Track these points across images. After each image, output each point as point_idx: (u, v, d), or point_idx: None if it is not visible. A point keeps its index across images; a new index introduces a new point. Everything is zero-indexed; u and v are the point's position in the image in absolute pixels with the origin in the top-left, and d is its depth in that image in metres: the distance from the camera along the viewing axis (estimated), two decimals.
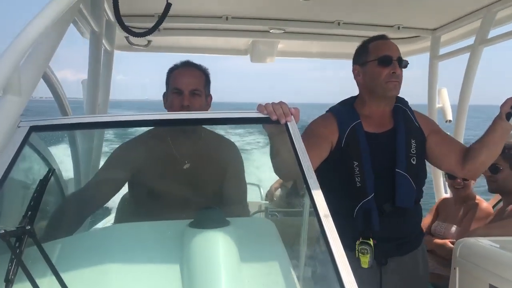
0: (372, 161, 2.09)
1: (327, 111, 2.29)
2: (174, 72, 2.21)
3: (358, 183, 2.07)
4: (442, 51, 3.83)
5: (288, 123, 1.55)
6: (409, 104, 2.30)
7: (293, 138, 1.48)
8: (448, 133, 3.39)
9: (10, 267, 1.09)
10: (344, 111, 2.23)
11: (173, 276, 1.24)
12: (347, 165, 2.09)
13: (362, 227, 2.07)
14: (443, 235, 3.24)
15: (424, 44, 3.97)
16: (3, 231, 1.07)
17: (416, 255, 2.22)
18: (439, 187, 4.02)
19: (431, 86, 3.92)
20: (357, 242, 2.04)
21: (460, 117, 3.58)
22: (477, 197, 3.32)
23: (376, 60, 2.13)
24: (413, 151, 2.13)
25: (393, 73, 2.10)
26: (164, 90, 2.24)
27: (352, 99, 2.29)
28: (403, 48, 4.21)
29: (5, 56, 1.31)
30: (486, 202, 3.28)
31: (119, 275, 1.24)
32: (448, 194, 3.84)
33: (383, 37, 2.22)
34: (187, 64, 2.24)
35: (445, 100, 3.92)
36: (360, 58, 2.22)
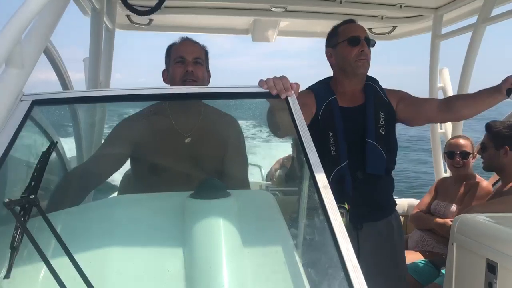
0: (345, 133, 2.28)
1: (306, 89, 2.44)
2: (174, 46, 2.24)
3: (333, 151, 2.25)
4: (444, 31, 3.81)
5: (289, 98, 1.57)
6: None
7: (293, 112, 1.49)
8: None
9: (15, 235, 1.12)
10: (321, 88, 2.43)
11: (175, 245, 1.26)
12: (323, 136, 2.26)
13: (337, 192, 2.15)
14: (443, 214, 3.27)
15: (426, 24, 3.95)
16: (8, 200, 1.09)
17: (391, 222, 2.39)
18: (439, 167, 4.04)
19: (433, 66, 3.91)
20: None
21: None
22: (477, 176, 3.35)
23: (346, 40, 2.31)
24: (381, 122, 2.32)
25: (361, 52, 2.29)
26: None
27: (328, 79, 2.49)
28: (405, 28, 4.22)
29: (6, 28, 1.32)
30: (486, 181, 3.31)
31: (121, 245, 1.26)
32: (447, 174, 3.86)
33: (352, 21, 2.40)
34: (187, 39, 2.29)
35: (447, 80, 3.92)
36: (331, 41, 2.41)
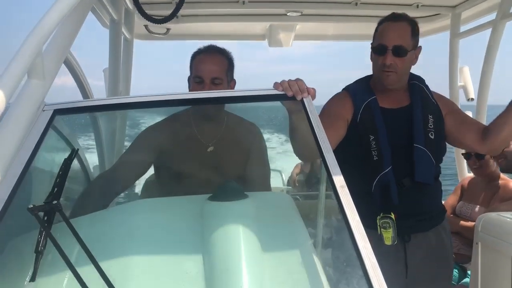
0: (388, 136, 2.07)
1: (342, 90, 2.29)
2: (196, 58, 2.19)
3: (375, 156, 2.06)
4: (463, 29, 3.76)
5: (304, 99, 1.55)
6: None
7: (309, 113, 1.49)
8: (470, 112, 3.36)
9: (39, 239, 1.15)
10: (359, 89, 2.22)
11: (194, 247, 1.27)
12: (363, 140, 2.08)
13: (381, 201, 2.05)
14: (469, 217, 3.21)
15: (444, 22, 3.90)
16: (32, 206, 1.13)
17: (440, 231, 2.20)
18: (462, 167, 3.97)
19: (452, 64, 3.84)
20: (378, 217, 2.02)
21: (482, 95, 3.53)
22: (502, 176, 3.27)
23: (373, 47, 2.13)
24: (430, 125, 2.10)
25: (384, 64, 2.06)
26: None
27: (369, 77, 2.27)
28: (422, 28, 4.14)
29: (28, 41, 1.36)
30: None
31: (142, 248, 1.28)
32: (471, 174, 3.79)
33: (392, 18, 2.13)
34: (210, 50, 2.21)
35: (467, 79, 3.85)
36: (372, 41, 2.19)
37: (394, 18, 2.12)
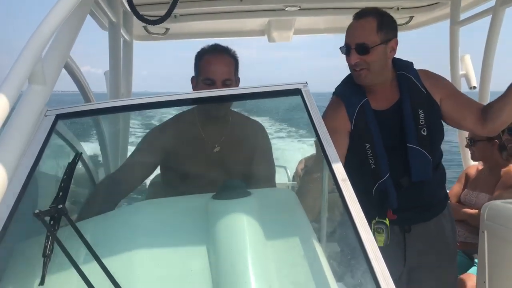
0: (383, 139, 2.07)
1: (333, 95, 2.26)
2: (204, 58, 2.16)
3: (372, 164, 2.07)
4: (463, 16, 3.74)
5: (302, 90, 1.52)
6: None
7: (308, 105, 1.47)
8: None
9: (46, 244, 1.17)
10: (349, 91, 2.18)
11: (199, 246, 1.29)
12: (359, 148, 2.08)
13: (380, 206, 2.08)
14: (474, 204, 3.20)
15: (444, 11, 3.88)
16: (38, 211, 1.14)
17: (441, 220, 2.22)
18: (466, 155, 3.96)
19: (453, 53, 3.82)
20: (373, 221, 2.05)
21: (484, 83, 3.51)
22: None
23: (340, 48, 2.10)
24: (422, 121, 2.08)
25: (351, 63, 2.05)
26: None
27: None
28: (422, 17, 4.16)
29: (27, 47, 1.37)
30: None
31: (147, 248, 1.30)
32: (476, 162, 3.78)
33: (355, 17, 2.10)
34: (217, 50, 2.19)
35: (469, 67, 3.83)
36: None
37: (358, 15, 2.09)
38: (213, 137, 2.17)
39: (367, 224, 1.11)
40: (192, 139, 2.19)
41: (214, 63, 2.12)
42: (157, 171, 2.29)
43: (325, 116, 2.19)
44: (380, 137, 2.07)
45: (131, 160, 2.29)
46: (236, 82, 2.19)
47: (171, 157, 2.15)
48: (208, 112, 2.18)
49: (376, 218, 2.06)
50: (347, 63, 2.10)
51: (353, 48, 2.03)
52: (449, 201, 2.31)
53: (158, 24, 2.05)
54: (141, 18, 2.00)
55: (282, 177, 6.04)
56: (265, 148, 2.29)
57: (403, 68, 2.17)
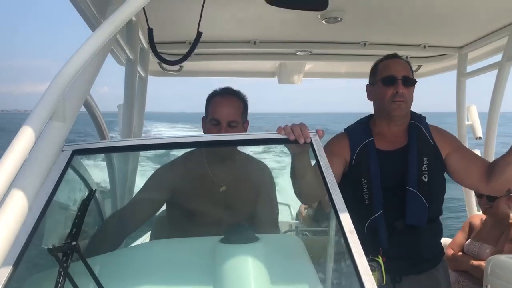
0: (382, 178, 2.12)
1: (343, 130, 2.35)
2: (213, 100, 2.22)
3: (366, 200, 2.11)
4: (470, 68, 3.82)
5: (313, 139, 1.59)
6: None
7: (318, 154, 1.51)
8: (478, 150, 3.37)
9: (58, 280, 1.19)
10: (357, 130, 2.29)
11: None
12: (356, 183, 2.12)
13: (371, 244, 2.08)
14: (477, 255, 3.17)
15: (451, 62, 3.97)
16: (52, 247, 1.17)
17: (435, 275, 2.20)
18: (470, 204, 3.96)
19: (460, 103, 3.89)
20: (366, 259, 2.04)
21: (490, 134, 3.55)
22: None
23: (381, 79, 2.19)
24: (424, 168, 2.13)
25: (396, 93, 2.13)
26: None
27: (368, 118, 2.35)
28: (430, 67, 4.26)
29: (52, 86, 1.42)
30: None
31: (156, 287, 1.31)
32: (480, 212, 3.77)
33: (393, 56, 2.26)
34: (226, 92, 2.25)
35: (475, 117, 3.88)
36: (371, 78, 2.30)
37: (392, 56, 2.26)
38: (219, 177, 2.21)
39: (372, 277, 1.12)
40: (200, 178, 2.22)
41: (221, 105, 2.18)
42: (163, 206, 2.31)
43: (329, 142, 2.29)
44: (379, 175, 2.12)
45: (138, 197, 2.31)
46: (243, 124, 2.23)
47: (178, 195, 2.18)
48: (216, 151, 2.22)
49: (370, 256, 2.04)
50: (380, 96, 2.18)
51: (400, 79, 2.14)
52: (444, 257, 2.29)
53: (177, 64, 2.12)
54: (160, 58, 2.08)
55: (285, 216, 6.02)
56: (269, 188, 2.33)
57: (416, 118, 2.28)
